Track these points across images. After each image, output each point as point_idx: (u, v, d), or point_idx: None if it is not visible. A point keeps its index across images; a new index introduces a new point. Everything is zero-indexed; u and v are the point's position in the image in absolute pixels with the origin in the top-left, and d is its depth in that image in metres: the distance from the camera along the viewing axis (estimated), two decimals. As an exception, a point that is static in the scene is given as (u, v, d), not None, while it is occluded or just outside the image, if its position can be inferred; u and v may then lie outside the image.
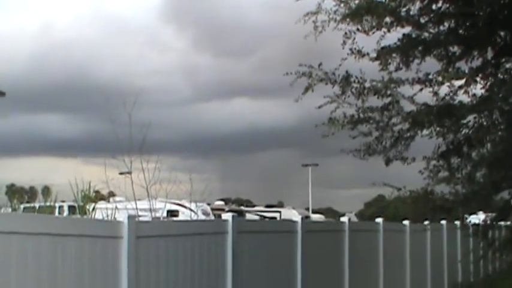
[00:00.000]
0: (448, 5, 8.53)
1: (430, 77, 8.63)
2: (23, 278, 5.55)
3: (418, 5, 8.51)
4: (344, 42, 8.56)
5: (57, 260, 5.92)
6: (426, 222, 18.20)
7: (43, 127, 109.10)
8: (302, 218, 11.05)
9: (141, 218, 9.01)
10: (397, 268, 15.46)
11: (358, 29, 8.48)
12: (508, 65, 8.91)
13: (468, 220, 14.97)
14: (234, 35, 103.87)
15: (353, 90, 8.61)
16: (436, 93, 8.71)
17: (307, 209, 47.95)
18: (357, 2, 8.31)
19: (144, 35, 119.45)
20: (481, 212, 15.35)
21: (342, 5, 8.36)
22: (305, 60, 8.59)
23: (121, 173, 11.94)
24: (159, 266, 7.25)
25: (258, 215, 27.81)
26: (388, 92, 8.64)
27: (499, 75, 8.81)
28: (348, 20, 8.38)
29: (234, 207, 30.15)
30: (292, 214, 26.08)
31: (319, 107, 8.77)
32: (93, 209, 10.72)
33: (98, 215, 10.40)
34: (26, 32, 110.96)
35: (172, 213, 19.67)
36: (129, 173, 11.49)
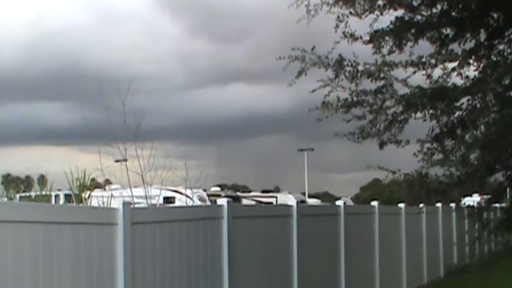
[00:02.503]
0: (440, -13, 8.52)
1: (423, 59, 8.61)
2: (19, 266, 5.57)
3: (410, -13, 8.50)
4: (337, 26, 8.54)
5: (53, 247, 5.94)
6: (421, 205, 18.28)
7: (37, 116, 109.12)
8: (297, 202, 11.10)
9: (137, 205, 9.05)
10: (393, 251, 15.55)
11: (350, 13, 8.45)
12: (501, 47, 8.90)
13: (463, 202, 15.02)
14: (228, 20, 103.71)
15: (346, 73, 8.59)
16: (429, 76, 8.70)
17: (304, 194, 48.02)
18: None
19: (138, 22, 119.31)
20: (476, 194, 15.41)
21: (335, -12, 8.33)
22: (298, 44, 8.58)
23: (116, 161, 11.94)
24: (155, 251, 7.28)
25: (254, 200, 27.87)
26: (382, 75, 8.62)
27: (492, 57, 8.80)
28: (340, 3, 8.35)
29: (230, 193, 30.19)
30: (288, 199, 26.16)
31: (313, 91, 8.75)
32: (89, 197, 10.73)
33: (94, 203, 10.41)
34: (20, 22, 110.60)
35: (168, 199, 19.70)
36: (125, 160, 11.50)
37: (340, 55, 8.58)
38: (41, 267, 5.80)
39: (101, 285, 6.48)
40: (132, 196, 10.61)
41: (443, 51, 8.60)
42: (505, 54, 8.80)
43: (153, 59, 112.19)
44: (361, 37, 8.62)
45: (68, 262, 6.12)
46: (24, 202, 10.00)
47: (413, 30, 8.59)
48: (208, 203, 20.66)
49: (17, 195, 13.55)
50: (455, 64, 8.55)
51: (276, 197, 29.58)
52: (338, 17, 8.47)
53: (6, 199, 10.95)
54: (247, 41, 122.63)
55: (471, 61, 8.60)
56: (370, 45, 8.65)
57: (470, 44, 8.70)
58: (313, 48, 8.52)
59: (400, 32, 8.55)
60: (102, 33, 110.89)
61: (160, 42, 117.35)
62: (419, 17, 8.64)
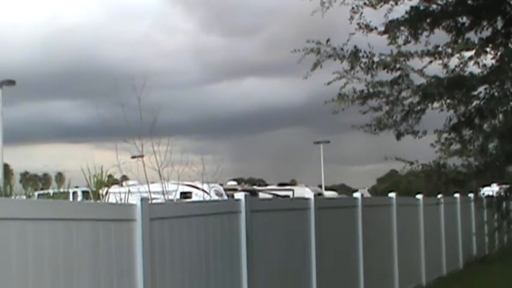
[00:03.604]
0: (456, -25, 8.44)
1: (440, 49, 8.53)
2: (39, 263, 5.60)
3: (425, -24, 8.43)
4: (351, 17, 8.49)
5: (72, 244, 5.97)
6: (439, 196, 18.18)
7: (54, 114, 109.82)
8: (315, 195, 11.07)
9: (154, 201, 9.06)
10: (412, 242, 15.48)
11: (365, 3, 8.39)
12: (518, 34, 8.81)
13: (482, 192, 14.92)
14: (241, 13, 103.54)
15: (362, 65, 8.53)
16: (446, 65, 8.63)
17: (320, 186, 47.96)
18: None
19: (151, 17, 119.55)
20: (494, 184, 15.29)
21: (349, -21, 8.29)
22: (313, 37, 8.53)
23: (133, 157, 11.99)
24: (173, 247, 7.29)
25: (271, 193, 27.86)
26: (398, 66, 8.55)
27: (510, 45, 8.69)
28: (354, -6, 8.31)
29: (246, 187, 30.20)
30: (305, 192, 26.15)
31: (329, 83, 8.71)
32: (107, 193, 10.77)
33: (112, 199, 10.44)
34: (35, 20, 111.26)
35: (185, 194, 19.74)
36: (141, 156, 11.54)
37: (355, 46, 8.52)
38: (61, 264, 5.83)
39: (120, 280, 6.51)
40: (150, 192, 10.65)
41: (460, 40, 8.52)
42: (523, 41, 8.71)
43: (167, 54, 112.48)
44: (376, 28, 8.56)
45: (87, 258, 6.14)
46: (42, 199, 10.04)
47: (428, 20, 8.51)
48: (225, 197, 20.69)
49: (35, 193, 13.62)
50: (472, 53, 8.47)
51: (293, 190, 29.56)
52: (352, 8, 8.41)
53: (24, 197, 11.01)
54: (261, 34, 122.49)
55: (488, 49, 8.51)
56: (386, 36, 8.58)
57: (487, 32, 8.61)
58: (328, 41, 8.47)
59: (415, 22, 8.47)
60: (116, 29, 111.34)
61: (174, 37, 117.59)
62: (434, 6, 8.56)
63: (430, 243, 16.50)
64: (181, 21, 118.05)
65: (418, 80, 8.68)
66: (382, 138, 9.15)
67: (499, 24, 8.64)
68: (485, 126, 9.03)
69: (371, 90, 8.63)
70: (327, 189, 47.02)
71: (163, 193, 11.54)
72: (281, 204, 11.22)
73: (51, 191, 13.18)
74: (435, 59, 8.57)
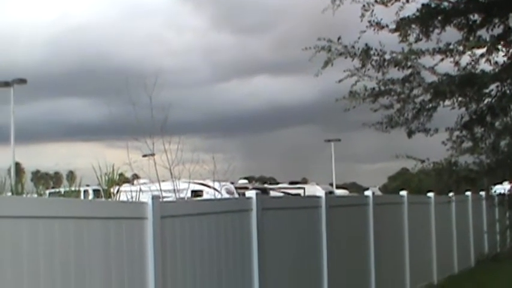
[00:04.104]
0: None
1: (451, 46, 8.50)
2: (50, 261, 5.62)
3: (436, -27, 8.39)
4: (362, 15, 8.47)
5: (83, 242, 5.99)
6: (451, 194, 18.11)
7: (64, 112, 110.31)
8: (326, 193, 11.04)
9: (165, 199, 9.08)
10: (423, 240, 15.44)
11: (376, 1, 8.37)
12: (530, 31, 8.76)
13: (493, 190, 14.83)
14: (251, 11, 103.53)
15: (373, 62, 8.51)
16: (457, 63, 8.60)
17: (331, 185, 47.90)
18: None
19: (161, 15, 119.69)
20: (506, 182, 15.21)
21: (359, -24, 8.26)
22: (324, 35, 8.52)
23: (144, 155, 12.02)
24: (184, 245, 7.31)
25: (282, 192, 27.85)
26: (409, 64, 8.53)
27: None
28: (366, -9, 8.29)
29: (257, 185, 30.21)
30: (316, 190, 26.10)
31: (340, 81, 8.70)
32: (118, 191, 10.79)
33: (123, 198, 10.46)
34: (45, 19, 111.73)
35: (196, 193, 19.77)
36: (152, 154, 11.56)
37: (366, 44, 8.49)
38: (72, 262, 5.85)
39: (131, 278, 6.52)
40: (161, 190, 10.67)
41: (471, 38, 8.49)
42: (535, 38, 8.66)
43: (177, 52, 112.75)
44: (387, 26, 8.53)
45: (98, 256, 6.16)
46: (54, 198, 10.08)
47: (440, 17, 8.48)
48: (236, 195, 20.69)
49: (47, 191, 13.65)
50: (483, 50, 8.43)
51: (304, 188, 29.56)
52: (363, 5, 8.39)
53: (36, 195, 11.05)
54: (271, 32, 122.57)
55: (500, 47, 8.48)
56: (397, 34, 8.56)
57: (498, 30, 8.57)
58: (339, 38, 8.46)
59: (426, 20, 8.45)
60: (126, 28, 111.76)
61: (184, 35, 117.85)
62: (446, 3, 8.53)
63: (441, 242, 16.45)
64: (191, 19, 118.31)
65: (430, 78, 8.66)
66: (393, 136, 9.14)
67: (511, 21, 8.60)
68: (496, 124, 9.00)
69: (382, 88, 8.62)
70: (338, 187, 46.99)
71: (174, 191, 11.56)
72: (292, 202, 11.21)
73: (62, 190, 13.19)
74: (446, 56, 8.54)
